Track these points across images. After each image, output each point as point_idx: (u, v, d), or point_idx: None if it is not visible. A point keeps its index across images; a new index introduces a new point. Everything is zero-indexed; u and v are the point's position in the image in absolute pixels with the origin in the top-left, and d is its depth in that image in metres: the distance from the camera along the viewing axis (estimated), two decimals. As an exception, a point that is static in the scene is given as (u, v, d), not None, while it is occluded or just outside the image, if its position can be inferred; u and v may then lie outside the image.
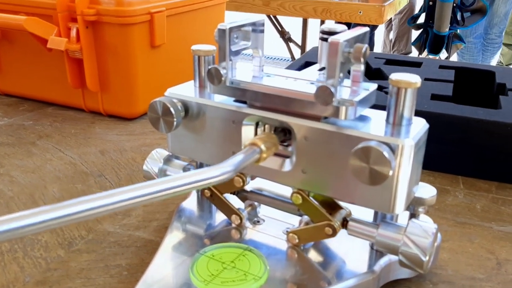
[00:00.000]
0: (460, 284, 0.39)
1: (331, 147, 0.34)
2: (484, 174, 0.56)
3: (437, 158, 0.58)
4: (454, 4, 2.50)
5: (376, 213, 0.37)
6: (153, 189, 0.26)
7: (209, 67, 0.36)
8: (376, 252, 0.38)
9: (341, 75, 0.32)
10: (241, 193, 0.41)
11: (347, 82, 0.35)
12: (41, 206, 0.50)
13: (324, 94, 0.32)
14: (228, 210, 0.41)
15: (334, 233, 0.36)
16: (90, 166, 0.59)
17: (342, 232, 0.40)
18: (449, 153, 0.57)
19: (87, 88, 0.71)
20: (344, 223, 0.37)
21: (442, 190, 0.54)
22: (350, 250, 0.38)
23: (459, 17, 2.53)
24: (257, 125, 0.37)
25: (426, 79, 0.68)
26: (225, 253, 0.37)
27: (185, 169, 0.43)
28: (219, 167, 0.29)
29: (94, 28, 0.67)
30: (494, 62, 2.97)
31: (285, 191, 0.39)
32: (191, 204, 0.45)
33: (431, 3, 2.52)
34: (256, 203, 0.42)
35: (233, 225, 0.41)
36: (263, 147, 0.33)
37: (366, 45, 0.32)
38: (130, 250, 0.43)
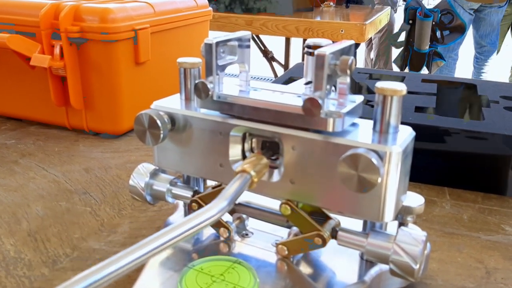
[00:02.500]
0: (451, 293, 0.39)
1: (319, 156, 0.34)
2: (470, 185, 0.57)
3: (423, 170, 0.58)
4: (434, 23, 2.55)
5: (365, 223, 0.37)
6: (154, 245, 0.26)
7: (196, 81, 0.36)
8: (366, 263, 0.38)
9: (328, 87, 0.32)
10: (229, 206, 0.41)
11: (333, 95, 0.35)
12: (24, 224, 0.49)
13: (312, 106, 0.32)
14: (216, 223, 0.40)
15: (324, 243, 0.36)
16: (74, 183, 0.58)
17: (332, 244, 0.40)
18: (435, 164, 0.58)
19: (71, 106, 0.70)
20: (334, 233, 0.36)
21: (429, 202, 0.54)
22: (340, 262, 0.38)
23: (438, 35, 2.59)
24: (244, 137, 0.37)
25: (409, 92, 0.69)
26: (214, 266, 0.36)
27: (171, 183, 0.42)
28: (214, 206, 0.29)
29: (78, 45, 0.67)
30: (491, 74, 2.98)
31: (273, 204, 0.39)
32: (178, 218, 0.44)
33: (411, 21, 2.58)
34: (244, 216, 0.42)
35: (222, 238, 0.40)
36: (252, 172, 0.33)
37: (352, 57, 0.32)
38: None
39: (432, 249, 0.45)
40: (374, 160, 0.30)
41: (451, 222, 0.50)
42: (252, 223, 0.42)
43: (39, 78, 0.71)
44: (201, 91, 0.35)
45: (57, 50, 0.66)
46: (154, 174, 0.43)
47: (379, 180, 0.31)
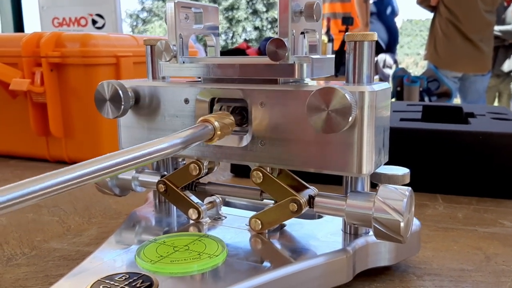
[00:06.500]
0: (448, 275, 0.35)
1: (289, 109, 0.31)
2: (463, 190, 0.54)
3: (412, 177, 0.55)
4: (421, 89, 2.61)
5: (345, 188, 0.34)
6: (90, 169, 0.23)
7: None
8: (350, 236, 0.34)
9: (294, 32, 0.31)
10: (199, 187, 0.38)
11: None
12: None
13: (277, 47, 0.30)
14: (184, 204, 0.37)
15: (300, 209, 0.32)
16: (45, 201, 0.55)
17: (312, 223, 0.36)
18: (425, 170, 0.55)
19: (51, 135, 0.69)
20: (310, 201, 0.33)
21: (421, 205, 0.51)
22: (321, 236, 0.34)
23: (427, 101, 2.64)
24: (212, 104, 0.35)
25: (394, 111, 0.68)
26: (179, 239, 0.32)
27: (137, 170, 0.40)
28: (166, 140, 0.27)
29: (59, 71, 0.66)
30: None
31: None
32: (145, 210, 0.41)
33: (398, 88, 2.64)
34: (217, 201, 0.38)
35: (191, 221, 0.37)
36: (216, 124, 0.31)
37: (317, 1, 0.31)
38: (77, 262, 0.38)
39: (425, 240, 0.41)
40: (347, 95, 0.28)
41: (445, 219, 0.47)
42: (225, 210, 0.39)
43: (19, 109, 0.71)
44: (163, 51, 0.34)
45: (37, 76, 0.66)
46: (121, 162, 0.40)
47: (351, 119, 0.28)
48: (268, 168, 0.34)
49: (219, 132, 0.30)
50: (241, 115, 0.35)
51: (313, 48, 0.35)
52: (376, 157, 0.31)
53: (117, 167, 0.24)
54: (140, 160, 0.25)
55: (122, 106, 0.36)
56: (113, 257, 0.31)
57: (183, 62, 0.35)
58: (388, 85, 0.32)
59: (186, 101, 0.35)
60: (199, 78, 0.36)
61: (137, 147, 0.25)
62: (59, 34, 0.67)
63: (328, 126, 0.28)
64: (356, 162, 0.30)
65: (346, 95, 0.28)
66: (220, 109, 0.36)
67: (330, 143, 0.30)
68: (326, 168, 0.31)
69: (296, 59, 0.31)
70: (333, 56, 0.35)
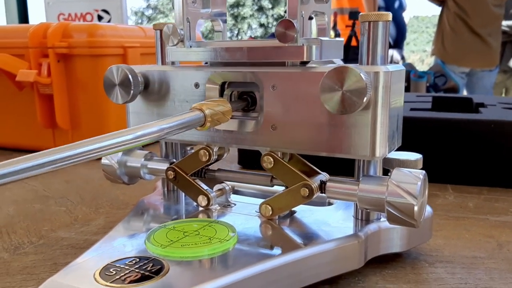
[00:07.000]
0: (460, 262, 0.35)
1: (301, 91, 0.31)
2: (473, 180, 0.53)
3: (422, 167, 0.54)
4: (428, 84, 2.60)
5: (357, 173, 0.33)
6: (84, 148, 0.23)
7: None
8: (362, 222, 0.33)
9: (303, 13, 0.31)
10: (209, 174, 0.37)
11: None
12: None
13: (286, 28, 0.30)
14: (194, 191, 0.36)
15: (312, 194, 0.32)
16: (52, 192, 0.54)
17: (321, 210, 0.36)
18: (435, 160, 0.54)
19: (58, 127, 0.69)
20: (322, 187, 0.33)
21: (431, 195, 0.50)
22: (332, 222, 0.34)
23: (434, 95, 2.62)
24: (222, 89, 0.35)
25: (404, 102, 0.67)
26: (189, 225, 0.32)
27: (147, 157, 0.39)
28: (155, 124, 0.26)
29: (66, 61, 0.66)
30: None
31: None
32: (153, 198, 0.40)
33: (405, 83, 2.62)
34: (226, 188, 0.38)
35: (200, 209, 0.37)
36: (207, 111, 0.30)
37: (327, -17, 0.31)
38: (85, 251, 0.38)
39: (436, 228, 0.41)
40: (363, 74, 0.27)
41: (455, 208, 0.46)
42: (235, 198, 0.39)
43: (25, 102, 0.70)
44: (170, 34, 0.34)
45: (44, 67, 0.66)
46: (128, 150, 0.40)
47: (366, 99, 0.28)
48: (279, 153, 0.33)
49: (210, 119, 0.30)
50: (247, 101, 0.34)
51: (321, 32, 0.34)
52: (390, 140, 0.30)
53: (101, 150, 0.23)
54: (127, 143, 0.24)
55: (132, 91, 0.35)
56: (122, 243, 0.30)
57: (190, 47, 0.35)
58: (402, 67, 0.32)
59: (197, 85, 0.35)
60: (206, 63, 0.36)
61: (125, 130, 0.25)
62: (66, 24, 0.66)
63: (343, 107, 0.28)
64: (370, 145, 0.30)
65: (361, 74, 0.27)
66: (231, 94, 0.35)
67: (342, 125, 0.30)
68: (339, 151, 0.31)
69: (305, 41, 0.31)
70: (342, 39, 0.34)
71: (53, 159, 0.22)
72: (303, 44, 0.30)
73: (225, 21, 0.39)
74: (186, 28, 0.34)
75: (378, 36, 0.30)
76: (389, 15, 0.30)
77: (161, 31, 0.38)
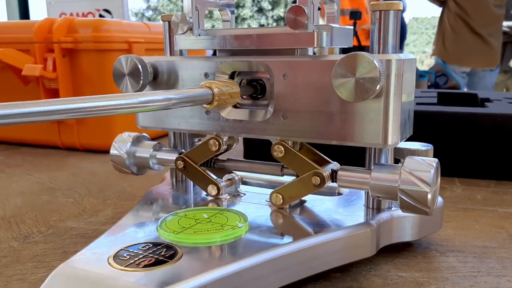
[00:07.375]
0: (471, 251, 0.35)
1: (312, 80, 0.31)
2: (480, 173, 0.53)
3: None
4: (429, 83, 2.60)
5: (368, 162, 0.33)
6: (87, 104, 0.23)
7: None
8: (373, 211, 0.33)
9: (314, 0, 0.31)
10: (218, 163, 0.37)
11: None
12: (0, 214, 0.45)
13: (296, 14, 0.30)
14: (204, 180, 0.36)
15: (323, 182, 0.32)
16: (59, 184, 0.54)
17: (332, 199, 0.36)
18: (442, 154, 0.54)
19: (63, 122, 0.69)
20: (333, 175, 0.33)
21: (438, 188, 0.50)
22: (343, 211, 0.34)
23: (435, 95, 2.62)
24: (232, 76, 0.35)
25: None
26: (200, 213, 0.32)
27: (155, 148, 0.39)
28: (162, 93, 0.26)
29: (71, 56, 0.66)
30: None
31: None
32: (162, 188, 0.40)
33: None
34: (236, 178, 0.38)
35: (210, 198, 0.37)
36: (215, 90, 0.29)
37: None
38: (97, 239, 0.38)
39: (445, 219, 0.41)
40: (376, 61, 0.27)
41: (463, 200, 0.46)
42: (244, 188, 0.39)
43: (31, 96, 0.70)
44: (179, 22, 0.34)
45: (50, 62, 0.66)
46: (137, 141, 0.40)
47: (379, 86, 0.28)
48: (289, 142, 0.33)
49: (218, 98, 0.29)
50: (255, 87, 0.34)
51: (331, 20, 0.34)
52: (402, 128, 0.30)
53: (107, 109, 0.24)
54: (133, 106, 0.24)
55: (141, 81, 0.35)
56: (134, 230, 0.30)
57: (199, 35, 0.35)
58: (413, 56, 0.32)
59: (206, 75, 0.35)
60: (214, 53, 0.36)
61: (133, 94, 0.25)
62: (72, 19, 0.66)
63: (356, 94, 0.28)
64: (382, 133, 0.30)
65: (375, 61, 0.27)
66: (240, 83, 0.35)
67: (354, 113, 0.30)
68: (350, 139, 0.31)
69: (315, 28, 0.31)
70: (352, 27, 0.34)
71: (64, 108, 0.22)
72: (313, 31, 0.30)
73: (233, 12, 0.39)
74: (195, 16, 0.34)
75: (389, 25, 0.30)
76: (400, 4, 0.30)
77: (169, 22, 0.38)
